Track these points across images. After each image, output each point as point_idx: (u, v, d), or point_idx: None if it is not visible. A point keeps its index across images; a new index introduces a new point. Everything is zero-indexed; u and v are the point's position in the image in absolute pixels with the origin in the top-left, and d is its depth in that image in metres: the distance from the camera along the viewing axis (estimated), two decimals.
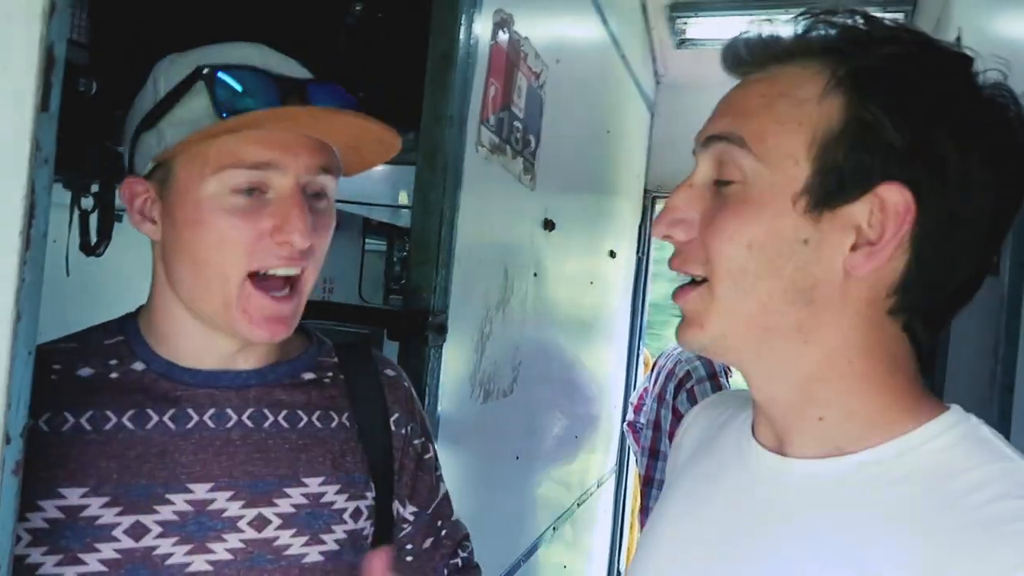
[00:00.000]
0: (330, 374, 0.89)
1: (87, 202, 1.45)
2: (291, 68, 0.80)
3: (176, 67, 0.76)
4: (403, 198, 2.64)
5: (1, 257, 0.49)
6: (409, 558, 0.93)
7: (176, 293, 0.78)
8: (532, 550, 2.14)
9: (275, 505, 0.79)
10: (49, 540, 0.71)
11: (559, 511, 2.46)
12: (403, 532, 0.92)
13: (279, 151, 0.73)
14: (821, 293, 0.58)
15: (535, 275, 1.89)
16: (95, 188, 1.44)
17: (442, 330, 1.28)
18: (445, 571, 0.96)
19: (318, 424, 0.85)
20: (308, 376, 0.87)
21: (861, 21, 0.59)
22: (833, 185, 0.57)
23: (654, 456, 2.66)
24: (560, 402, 2.44)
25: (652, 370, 2.84)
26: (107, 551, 0.72)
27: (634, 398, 2.98)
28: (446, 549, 0.96)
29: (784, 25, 0.61)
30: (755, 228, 0.58)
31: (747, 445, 0.68)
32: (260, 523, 0.78)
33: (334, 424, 0.86)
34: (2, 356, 0.50)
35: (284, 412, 0.83)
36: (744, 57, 0.63)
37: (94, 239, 1.44)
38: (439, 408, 1.33)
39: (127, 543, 0.73)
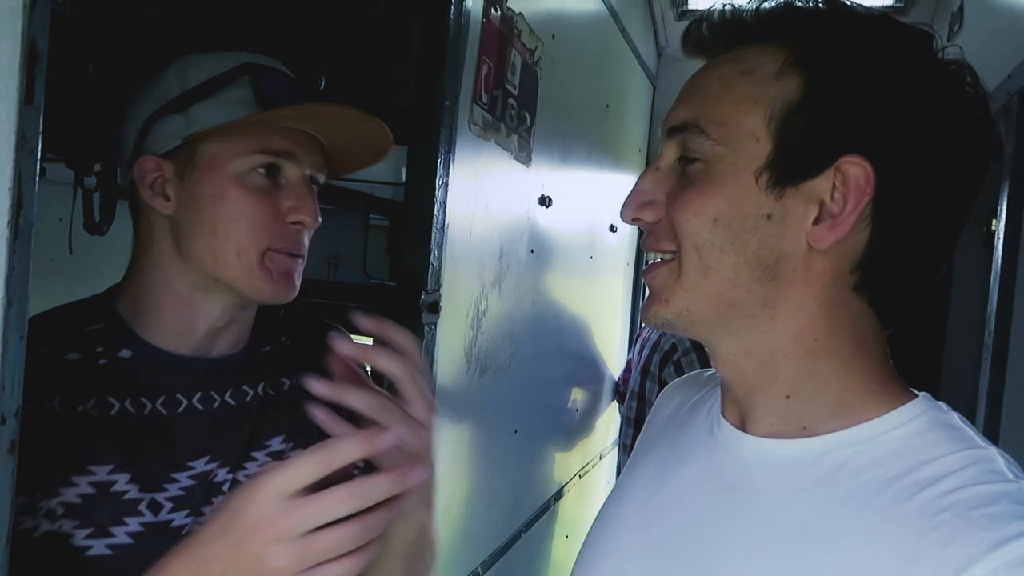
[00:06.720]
0: (286, 342, 0.97)
1: (90, 181, 1.47)
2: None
3: (206, 64, 0.84)
4: (404, 175, 2.65)
5: None
6: None
7: (188, 263, 0.84)
8: (533, 520, 2.18)
9: (249, 469, 0.87)
10: (81, 514, 0.77)
11: (561, 483, 2.49)
12: None
13: (296, 144, 0.85)
14: (785, 267, 0.59)
15: (532, 251, 1.90)
16: (97, 168, 1.46)
17: (435, 308, 1.30)
18: None
19: (272, 392, 0.92)
20: (265, 348, 0.95)
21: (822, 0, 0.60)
22: (794, 160, 0.58)
23: (638, 427, 2.67)
24: (560, 376, 2.46)
25: (636, 341, 2.82)
26: (133, 524, 0.78)
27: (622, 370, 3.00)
28: None
29: (749, 5, 0.62)
30: (719, 203, 0.59)
31: (717, 423, 0.68)
32: None
33: (286, 387, 0.93)
34: None
35: (261, 384, 0.91)
36: (707, 39, 0.64)
37: (97, 217, 1.48)
38: (435, 383, 1.36)
39: (149, 517, 0.79)
